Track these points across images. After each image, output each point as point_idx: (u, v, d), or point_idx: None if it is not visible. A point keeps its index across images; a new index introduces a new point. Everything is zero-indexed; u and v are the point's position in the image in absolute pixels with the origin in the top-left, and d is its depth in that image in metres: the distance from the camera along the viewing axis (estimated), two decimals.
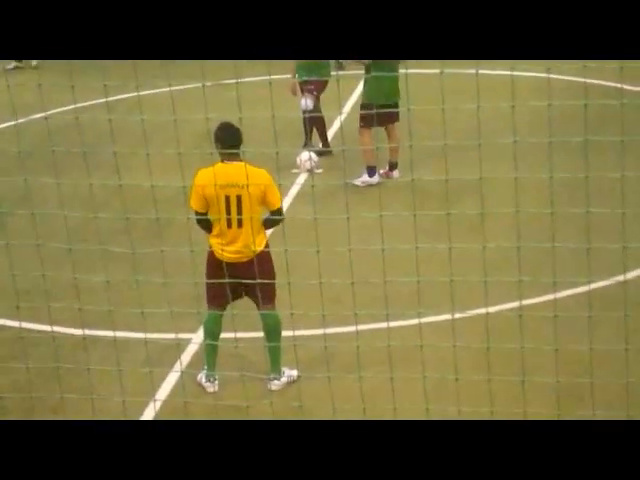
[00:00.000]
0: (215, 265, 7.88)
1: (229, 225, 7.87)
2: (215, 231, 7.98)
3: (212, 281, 7.73)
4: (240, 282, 7.65)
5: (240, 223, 7.87)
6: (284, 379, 8.24)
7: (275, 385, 8.21)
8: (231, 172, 7.76)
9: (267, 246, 8.00)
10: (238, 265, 7.77)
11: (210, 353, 8.20)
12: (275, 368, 8.23)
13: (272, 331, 8.15)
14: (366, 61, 12.17)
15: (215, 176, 7.55)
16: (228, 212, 7.83)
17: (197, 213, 7.96)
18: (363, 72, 12.53)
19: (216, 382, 8.23)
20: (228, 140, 7.87)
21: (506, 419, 5.50)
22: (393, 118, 12.36)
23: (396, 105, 12.01)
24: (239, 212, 7.85)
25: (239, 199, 7.81)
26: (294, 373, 8.22)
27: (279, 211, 7.95)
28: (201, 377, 8.27)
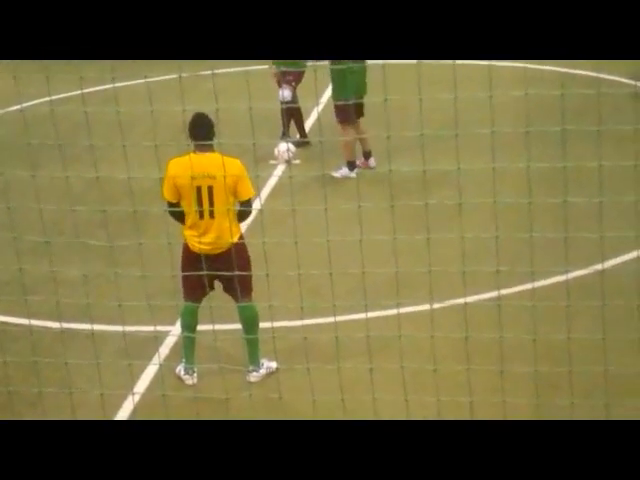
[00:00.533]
0: (190, 257, 7.85)
1: (201, 216, 7.83)
2: (188, 222, 7.94)
3: (187, 274, 7.70)
4: (215, 274, 7.62)
5: (212, 214, 7.83)
6: (263, 371, 8.23)
7: (254, 377, 8.20)
8: (203, 162, 7.73)
9: (241, 237, 7.97)
10: (212, 257, 7.74)
11: (188, 346, 8.18)
12: (253, 360, 8.21)
13: (249, 323, 8.14)
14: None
15: (186, 167, 7.51)
16: (200, 203, 7.78)
17: (169, 204, 7.91)
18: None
19: (195, 374, 8.22)
20: (198, 131, 7.84)
21: (485, 414, 5.51)
22: (360, 112, 12.46)
23: (361, 98, 12.07)
24: (211, 203, 7.80)
25: (210, 190, 7.77)
26: (273, 365, 8.21)
27: (249, 202, 7.90)
28: (180, 370, 8.25)
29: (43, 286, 8.53)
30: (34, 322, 6.81)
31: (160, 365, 8.03)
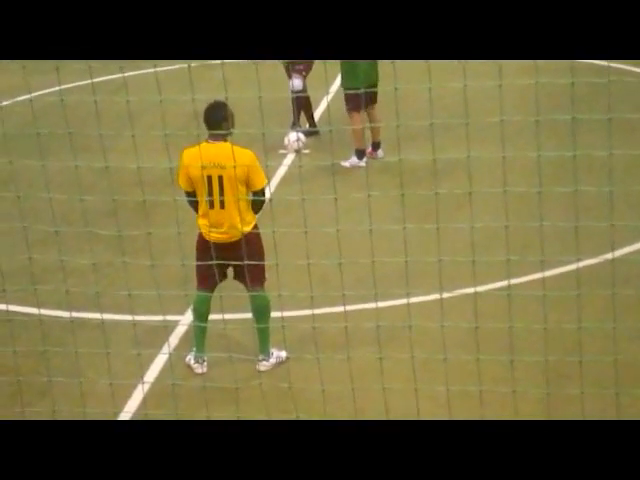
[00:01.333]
0: (204, 246, 7.85)
1: (211, 206, 7.83)
2: (201, 211, 7.95)
3: (201, 263, 7.71)
4: (228, 263, 7.63)
5: (222, 204, 7.83)
6: (273, 360, 8.24)
7: (264, 366, 8.21)
8: (214, 152, 7.72)
9: (256, 227, 7.97)
10: (226, 246, 7.74)
11: (199, 334, 8.19)
12: (264, 349, 8.22)
13: (261, 312, 8.14)
14: None
15: (198, 156, 7.51)
16: (210, 193, 7.78)
17: (186, 193, 7.94)
18: None
19: (205, 363, 8.22)
20: (210, 119, 7.84)
21: (495, 404, 5.49)
22: (372, 100, 12.40)
23: (374, 86, 12.03)
24: (221, 193, 7.80)
25: (221, 179, 7.76)
26: (283, 354, 8.22)
27: (262, 192, 7.89)
28: (190, 358, 8.26)
29: (52, 275, 8.56)
30: (43, 311, 6.83)
31: (170, 354, 8.04)
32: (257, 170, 7.82)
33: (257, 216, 8.14)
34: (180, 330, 8.79)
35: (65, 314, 7.14)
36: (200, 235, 7.97)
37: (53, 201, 6.33)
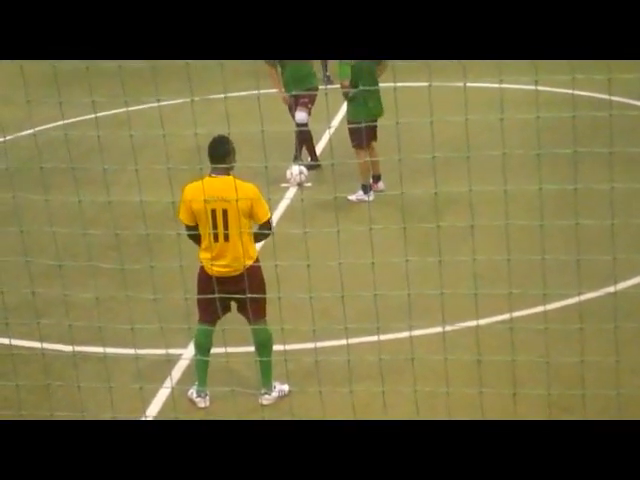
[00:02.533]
0: (205, 280, 7.86)
1: (216, 239, 7.86)
2: (203, 245, 7.97)
3: (202, 297, 7.71)
4: (230, 297, 7.63)
5: (227, 237, 7.86)
6: (275, 394, 8.22)
7: (266, 400, 8.19)
8: (217, 186, 7.76)
9: (257, 260, 7.98)
10: (228, 279, 7.75)
11: (201, 368, 8.18)
12: (266, 383, 8.21)
13: (263, 346, 8.14)
14: (345, 81, 12.33)
15: (202, 190, 7.55)
16: (215, 226, 7.81)
17: (187, 227, 7.95)
18: (342, 91, 12.58)
19: (207, 397, 8.21)
20: (214, 153, 7.90)
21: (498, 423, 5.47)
22: (374, 135, 12.50)
23: (375, 120, 12.12)
24: (225, 226, 7.83)
25: (225, 213, 7.79)
26: (285, 388, 8.20)
27: (268, 224, 7.92)
28: (192, 392, 8.24)
29: (55, 309, 8.56)
30: (46, 345, 6.82)
31: (172, 388, 8.03)
32: (261, 203, 7.85)
33: (258, 248, 8.15)
34: (183, 364, 8.78)
35: (68, 348, 7.14)
36: (202, 269, 7.98)
37: (56, 235, 6.35)
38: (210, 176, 7.85)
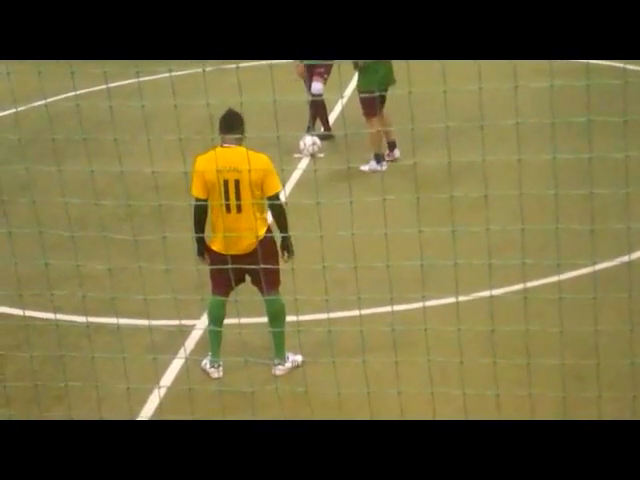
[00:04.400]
0: (219, 258, 7.83)
1: (228, 210, 7.83)
2: (214, 218, 7.90)
3: (215, 267, 7.70)
4: (244, 269, 7.62)
5: (239, 208, 7.83)
6: (288, 364, 8.23)
7: (280, 370, 8.21)
8: (229, 156, 7.74)
9: (269, 230, 7.96)
10: (241, 257, 7.71)
11: (214, 339, 8.19)
12: (279, 353, 8.22)
13: (276, 317, 8.14)
14: None
15: (214, 160, 7.54)
16: (227, 197, 7.79)
17: (197, 200, 7.90)
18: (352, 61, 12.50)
19: (220, 368, 8.22)
20: (226, 125, 7.89)
21: (512, 407, 5.47)
22: (384, 102, 12.43)
23: (387, 89, 12.06)
24: (238, 197, 7.80)
25: (237, 183, 7.77)
26: (298, 358, 8.21)
27: (276, 197, 7.88)
28: (205, 363, 8.26)
29: (68, 280, 8.57)
30: (60, 316, 6.83)
31: (186, 359, 8.05)
32: (273, 175, 7.82)
33: (270, 219, 8.11)
34: (196, 334, 8.80)
35: (81, 319, 7.15)
36: (213, 251, 7.93)
37: (68, 206, 6.34)
38: (222, 146, 7.84)
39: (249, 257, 7.63)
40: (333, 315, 7.03)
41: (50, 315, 6.55)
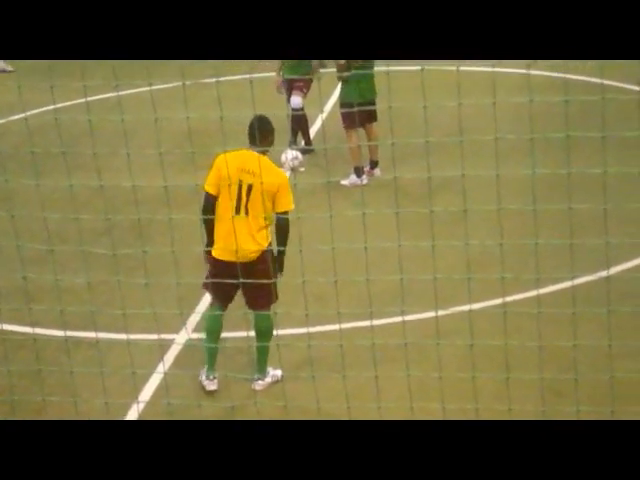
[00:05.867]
0: (220, 266, 7.80)
1: (237, 211, 7.82)
2: (221, 215, 7.85)
3: (211, 281, 7.61)
4: (241, 281, 7.55)
5: (247, 211, 7.83)
6: (268, 379, 8.21)
7: (259, 385, 8.18)
8: (250, 160, 7.77)
9: (270, 245, 7.94)
10: (240, 265, 7.65)
11: (211, 352, 8.13)
12: (261, 368, 8.19)
13: (265, 333, 8.09)
14: (341, 61, 12.27)
15: (235, 156, 7.70)
16: (239, 197, 7.81)
17: (208, 195, 7.85)
18: (337, 72, 12.52)
19: (216, 380, 8.14)
20: (252, 132, 7.86)
21: (491, 418, 5.48)
22: (371, 117, 12.44)
23: (373, 103, 12.08)
24: (248, 200, 7.82)
25: (250, 188, 7.79)
26: (278, 373, 8.19)
27: (286, 214, 7.83)
28: (202, 376, 8.19)
29: (47, 294, 8.53)
30: (38, 330, 6.80)
31: (165, 374, 8.01)
32: (287, 192, 7.85)
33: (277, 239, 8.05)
34: (175, 349, 8.77)
35: (60, 333, 7.11)
36: (214, 259, 7.90)
37: (48, 220, 6.32)
38: (247, 149, 7.88)
39: (249, 267, 7.61)
40: (313, 330, 7.02)
41: (28, 329, 6.53)
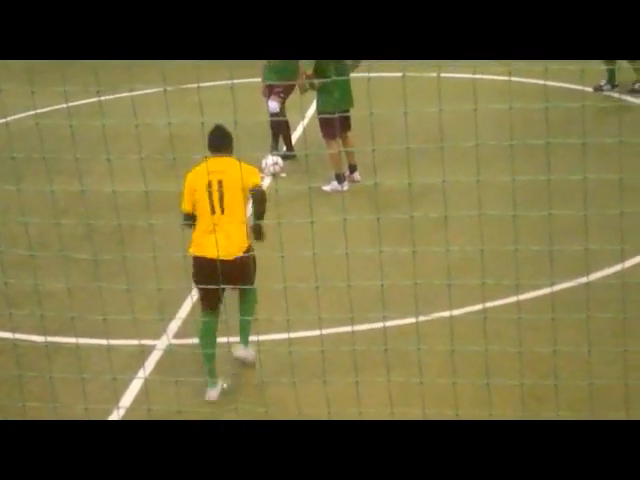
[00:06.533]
0: (203, 266, 7.84)
1: (213, 211, 7.89)
2: (200, 223, 7.96)
3: (200, 287, 7.77)
4: (228, 278, 7.55)
5: (223, 209, 7.93)
6: (251, 351, 8.28)
7: (243, 350, 8.28)
8: (215, 162, 7.97)
9: (251, 248, 7.97)
10: (225, 262, 7.65)
11: (208, 359, 8.11)
12: (245, 339, 8.27)
13: (253, 304, 8.23)
14: (308, 71, 12.32)
15: (201, 168, 7.83)
16: (210, 197, 7.95)
17: (186, 216, 7.98)
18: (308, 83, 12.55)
19: (218, 386, 8.15)
20: (214, 142, 8.12)
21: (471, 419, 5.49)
22: (346, 127, 12.47)
23: (347, 112, 12.10)
24: (221, 197, 7.94)
25: (220, 183, 7.92)
26: (252, 353, 8.26)
27: (259, 186, 8.09)
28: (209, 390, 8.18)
29: (27, 300, 8.51)
30: (18, 336, 6.79)
31: (145, 379, 8.00)
32: (255, 173, 8.14)
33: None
34: (156, 355, 8.75)
35: (40, 339, 7.09)
36: (196, 259, 7.93)
37: (28, 225, 6.31)
38: (210, 157, 7.97)
39: (232, 265, 7.63)
40: (294, 335, 7.02)
41: (8, 334, 6.51)
